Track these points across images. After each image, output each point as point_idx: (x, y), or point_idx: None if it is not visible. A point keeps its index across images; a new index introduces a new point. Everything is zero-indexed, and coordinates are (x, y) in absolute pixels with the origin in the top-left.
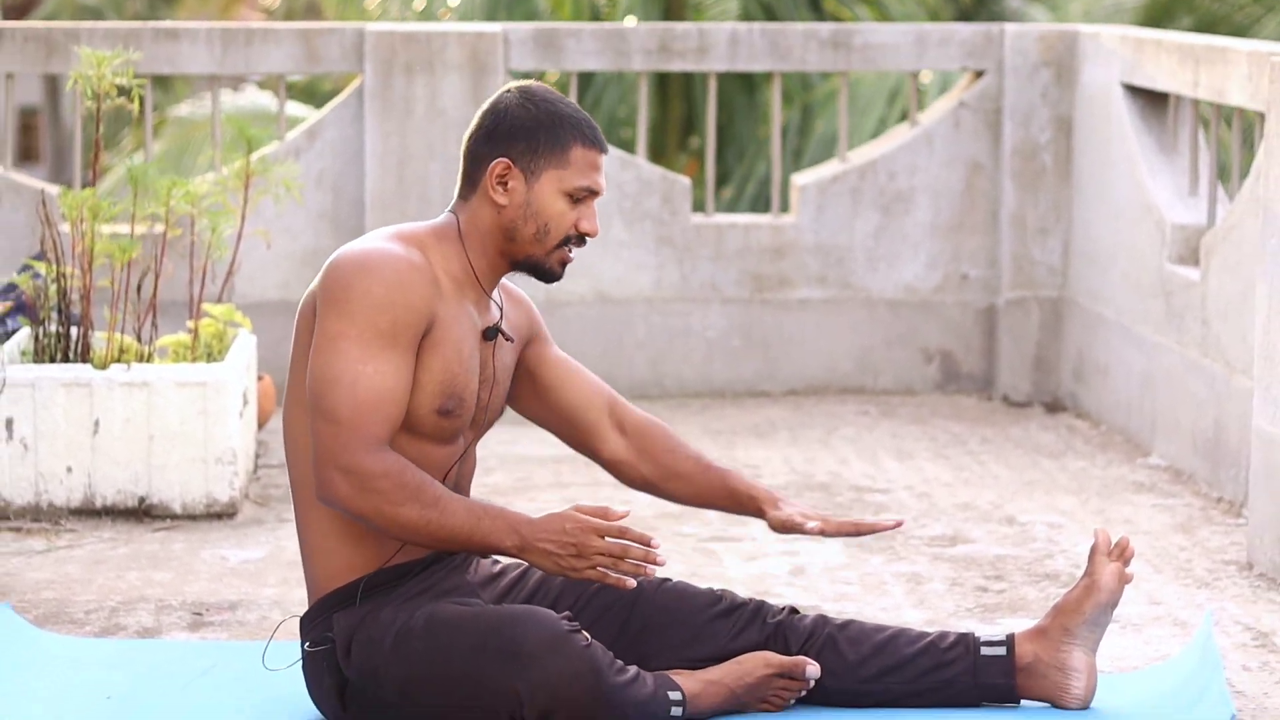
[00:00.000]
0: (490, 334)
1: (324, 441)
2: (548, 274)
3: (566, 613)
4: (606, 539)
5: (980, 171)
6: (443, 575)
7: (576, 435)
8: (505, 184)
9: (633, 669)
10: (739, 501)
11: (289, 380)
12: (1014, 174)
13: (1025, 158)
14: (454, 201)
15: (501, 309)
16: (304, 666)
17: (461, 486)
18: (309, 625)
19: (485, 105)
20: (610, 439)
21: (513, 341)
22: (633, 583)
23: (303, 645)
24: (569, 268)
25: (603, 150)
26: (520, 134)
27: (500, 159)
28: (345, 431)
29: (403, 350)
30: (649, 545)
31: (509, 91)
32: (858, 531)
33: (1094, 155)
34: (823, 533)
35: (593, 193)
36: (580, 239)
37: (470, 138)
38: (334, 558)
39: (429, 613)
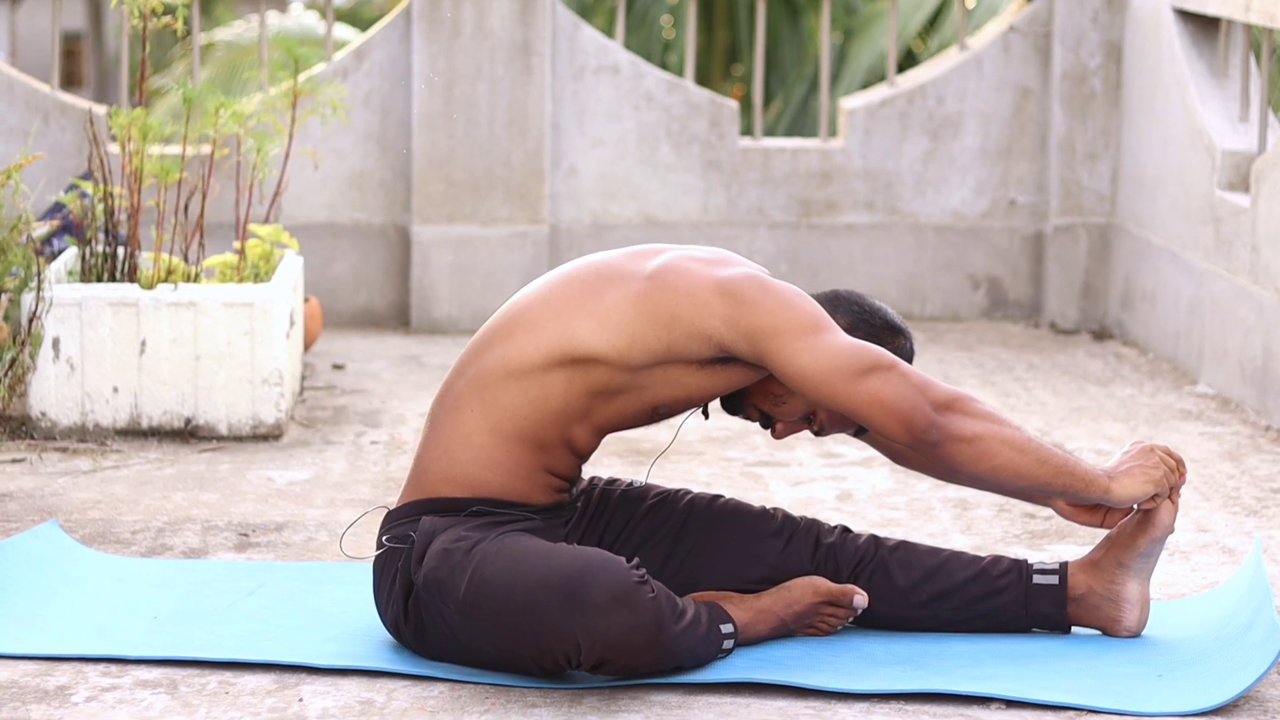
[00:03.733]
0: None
1: (897, 388)
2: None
3: (635, 560)
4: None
5: (1029, 96)
6: (544, 523)
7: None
8: None
9: (690, 609)
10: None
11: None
12: (1063, 99)
13: (1075, 83)
14: None
15: None
16: (375, 562)
17: None
18: (394, 520)
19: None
20: None
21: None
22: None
23: (380, 538)
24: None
25: None
26: (865, 324)
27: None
28: (910, 373)
29: None
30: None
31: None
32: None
33: (1144, 81)
34: None
35: None
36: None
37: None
38: (468, 469)
39: (507, 540)
